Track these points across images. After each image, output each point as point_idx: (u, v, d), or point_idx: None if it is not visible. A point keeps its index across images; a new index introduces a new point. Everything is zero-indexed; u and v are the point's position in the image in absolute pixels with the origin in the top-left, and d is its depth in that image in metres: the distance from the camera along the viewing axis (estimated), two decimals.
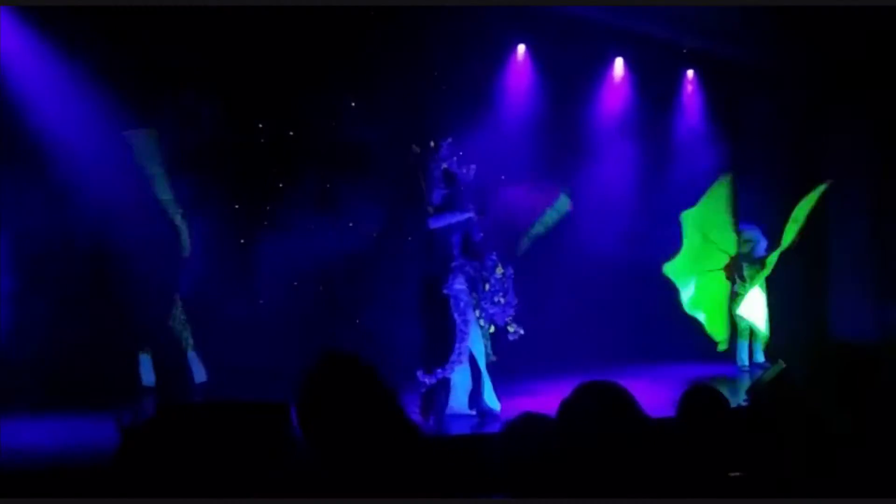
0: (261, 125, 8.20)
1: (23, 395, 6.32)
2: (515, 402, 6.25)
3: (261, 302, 7.91)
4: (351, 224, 8.17)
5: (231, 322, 7.48)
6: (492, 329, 6.32)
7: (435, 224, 6.30)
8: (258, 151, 8.11)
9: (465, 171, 6.46)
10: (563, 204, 7.26)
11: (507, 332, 6.33)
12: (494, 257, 6.34)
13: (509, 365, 6.59)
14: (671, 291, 8.81)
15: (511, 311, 6.29)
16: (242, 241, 8.07)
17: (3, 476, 4.43)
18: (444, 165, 6.41)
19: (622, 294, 9.49)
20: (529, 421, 2.27)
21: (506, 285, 6.28)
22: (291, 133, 8.29)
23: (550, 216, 7.25)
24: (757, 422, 2.91)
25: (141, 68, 7.29)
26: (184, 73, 7.34)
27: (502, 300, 6.27)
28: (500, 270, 6.27)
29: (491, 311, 6.28)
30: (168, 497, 1.74)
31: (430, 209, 6.40)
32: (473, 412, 6.26)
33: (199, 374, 7.38)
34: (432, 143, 6.50)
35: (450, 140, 6.51)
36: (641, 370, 8.13)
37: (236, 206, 8.04)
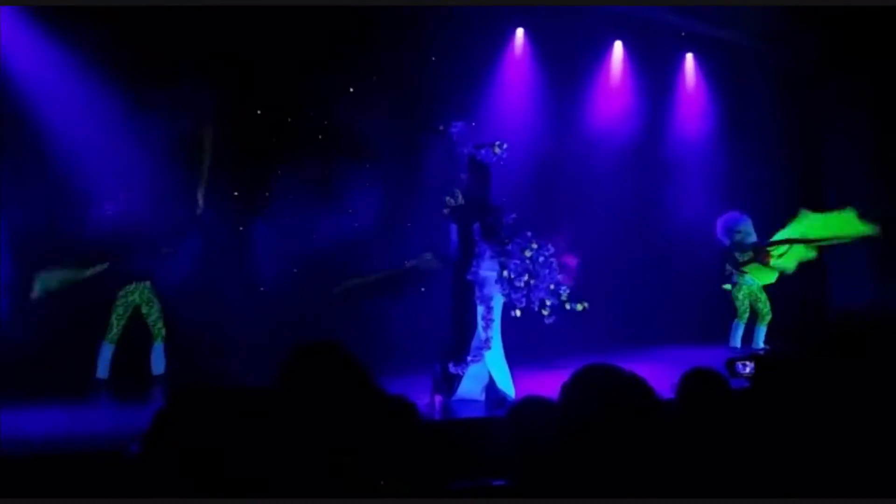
0: (259, 112, 8.18)
1: (20, 383, 6.34)
2: (522, 385, 6.21)
3: (261, 289, 7.91)
4: (350, 210, 8.16)
5: (231, 309, 7.48)
6: (517, 313, 6.06)
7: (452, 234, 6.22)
8: (257, 138, 8.09)
9: (483, 151, 6.26)
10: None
11: (542, 314, 6.02)
12: (529, 236, 6.07)
13: (518, 348, 6.53)
14: (665, 275, 8.79)
15: (541, 294, 5.98)
16: (241, 228, 8.06)
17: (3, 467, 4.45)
18: (465, 151, 6.28)
19: (617, 278, 9.48)
20: (532, 404, 2.28)
21: (535, 267, 5.98)
22: (290, 120, 8.27)
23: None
24: (758, 404, 2.92)
25: (139, 55, 7.27)
26: (182, 60, 7.32)
27: (532, 282, 5.99)
28: (528, 252, 5.99)
29: (514, 296, 6.02)
30: (165, 496, 1.74)
31: (457, 195, 6.29)
32: (482, 398, 6.18)
33: (158, 366, 7.28)
34: (441, 128, 6.39)
35: (460, 123, 6.36)
36: (634, 353, 8.13)
37: (235, 194, 8.03)
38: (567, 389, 2.12)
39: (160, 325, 7.25)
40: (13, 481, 4.26)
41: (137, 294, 7.17)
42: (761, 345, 8.88)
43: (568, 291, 6.04)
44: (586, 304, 6.05)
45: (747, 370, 6.92)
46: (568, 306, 6.05)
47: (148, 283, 7.19)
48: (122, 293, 7.12)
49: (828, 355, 2.68)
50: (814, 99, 10.22)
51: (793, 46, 9.77)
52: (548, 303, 6.02)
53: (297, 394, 2.00)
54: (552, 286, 6.02)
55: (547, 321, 6.04)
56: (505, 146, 6.34)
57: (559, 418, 2.07)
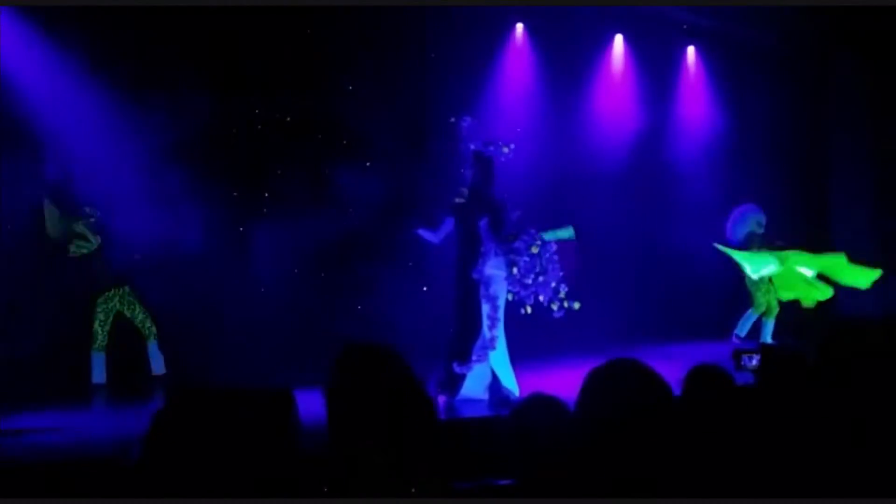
0: (257, 111, 8.14)
1: (18, 389, 6.30)
2: (525, 383, 6.15)
3: (261, 290, 7.87)
4: (350, 209, 8.11)
5: (232, 310, 7.44)
6: (528, 310, 6.02)
7: (424, 235, 6.19)
8: (255, 138, 8.05)
9: (492, 148, 6.17)
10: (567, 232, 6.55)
11: (552, 310, 6.00)
12: (533, 233, 6.04)
13: (521, 346, 6.46)
14: (667, 270, 8.74)
15: (549, 290, 5.97)
16: (241, 228, 8.02)
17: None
18: (472, 147, 6.17)
19: (620, 274, 9.44)
20: (537, 402, 2.25)
21: (542, 263, 5.96)
22: (288, 119, 8.23)
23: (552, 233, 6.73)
24: (766, 400, 2.89)
25: (136, 55, 7.23)
26: (180, 59, 7.28)
27: (541, 279, 5.96)
28: (534, 249, 5.96)
29: (523, 294, 5.99)
30: (170, 496, 1.72)
31: (464, 191, 6.19)
32: (486, 397, 6.13)
33: (158, 366, 7.16)
34: (452, 120, 6.26)
35: (469, 118, 6.26)
36: (637, 349, 8.09)
37: (234, 194, 7.99)
38: (587, 385, 2.07)
39: (149, 323, 7.13)
40: (13, 488, 4.24)
41: (117, 300, 7.05)
42: (769, 339, 8.82)
43: (567, 290, 6.02)
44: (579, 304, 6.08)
45: (753, 363, 6.89)
46: (566, 304, 6.03)
47: (126, 288, 7.08)
48: (101, 300, 7.00)
49: (833, 354, 2.65)
50: (816, 91, 10.17)
51: (795, 38, 9.73)
52: (554, 301, 6.02)
53: (346, 393, 1.96)
54: (554, 283, 6.00)
55: (556, 315, 6.03)
56: (512, 146, 6.27)
57: (575, 414, 2.02)
